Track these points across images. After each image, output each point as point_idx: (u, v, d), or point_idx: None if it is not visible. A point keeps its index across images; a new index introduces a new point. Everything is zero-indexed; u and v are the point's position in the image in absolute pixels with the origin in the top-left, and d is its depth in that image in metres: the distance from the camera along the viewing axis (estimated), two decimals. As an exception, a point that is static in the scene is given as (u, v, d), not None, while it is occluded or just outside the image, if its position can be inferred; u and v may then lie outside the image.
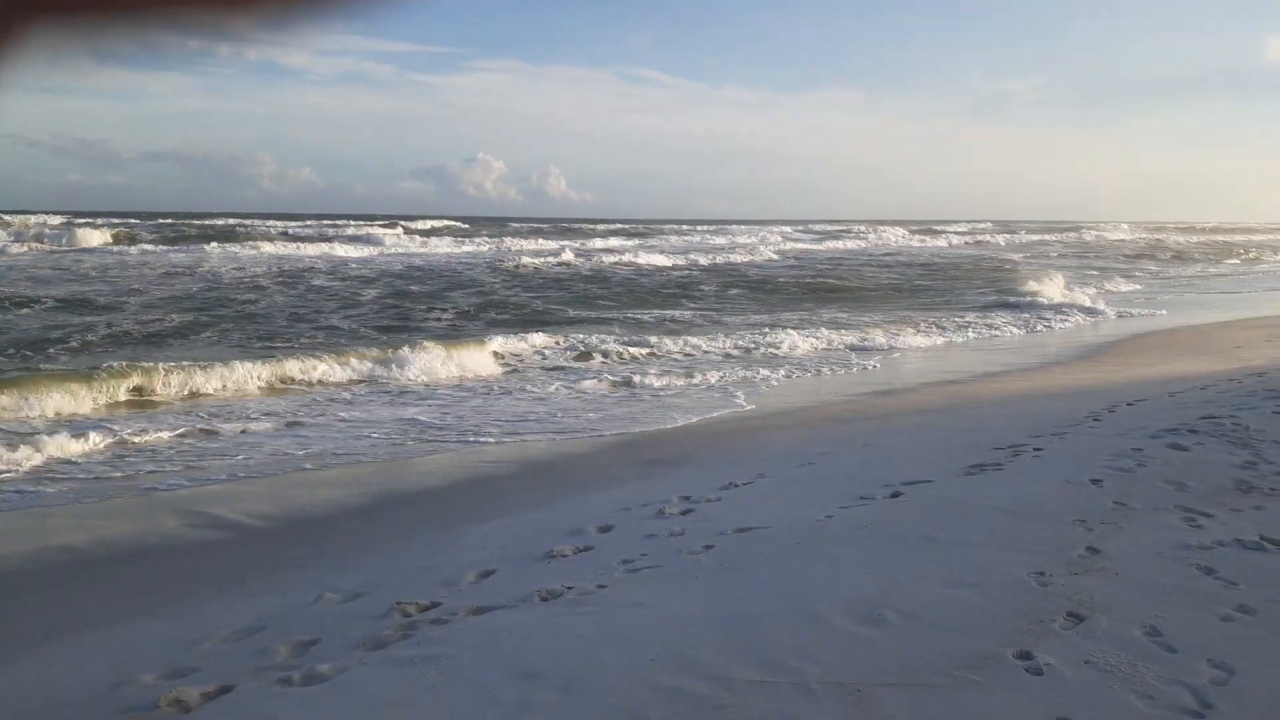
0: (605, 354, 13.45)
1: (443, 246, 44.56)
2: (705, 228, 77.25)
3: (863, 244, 55.54)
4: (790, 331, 15.78)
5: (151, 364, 10.91)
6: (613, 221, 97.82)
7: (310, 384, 11.00)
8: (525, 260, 32.86)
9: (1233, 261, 43.02)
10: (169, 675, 3.68)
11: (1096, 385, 10.75)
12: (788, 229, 76.38)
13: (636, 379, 11.66)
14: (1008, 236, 69.05)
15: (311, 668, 3.56)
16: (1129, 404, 8.43)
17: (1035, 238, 68.79)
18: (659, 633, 3.63)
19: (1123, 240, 64.81)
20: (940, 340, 16.10)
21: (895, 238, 62.00)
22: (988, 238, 66.64)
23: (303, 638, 3.97)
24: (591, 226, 72.94)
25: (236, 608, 4.57)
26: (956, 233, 73.00)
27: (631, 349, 13.72)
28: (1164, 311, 21.05)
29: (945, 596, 3.82)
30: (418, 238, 49.75)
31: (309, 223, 61.37)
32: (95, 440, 8.01)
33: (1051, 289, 24.35)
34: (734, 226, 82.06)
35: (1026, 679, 3.14)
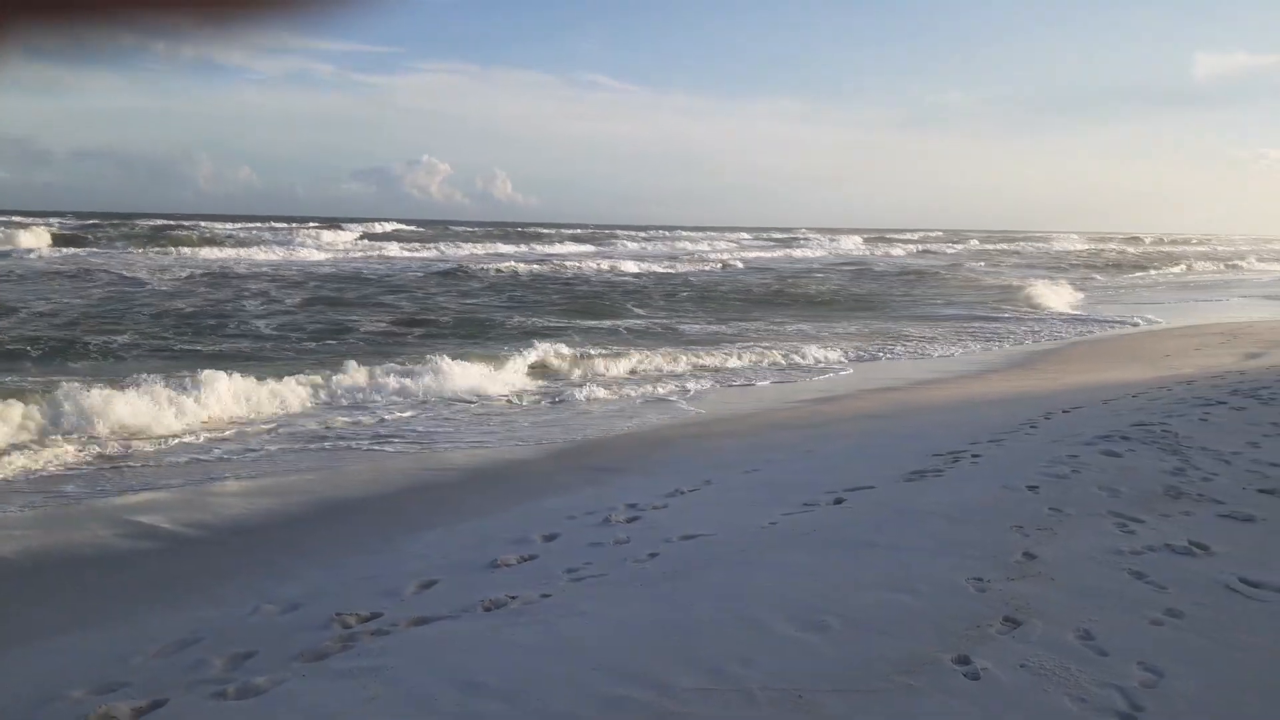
0: (554, 361, 13.38)
1: (385, 250, 44.00)
2: (659, 233, 77.46)
3: (818, 252, 56.08)
4: (750, 343, 15.85)
5: (74, 378, 10.45)
6: (561, 226, 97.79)
7: (238, 393, 10.50)
8: (472, 266, 32.61)
9: (1175, 270, 44.68)
10: (99, 690, 3.58)
11: (1033, 392, 10.99)
12: (744, 236, 77.09)
13: (585, 386, 11.63)
14: (959, 246, 70.35)
15: (247, 680, 3.49)
16: (1064, 411, 8.62)
17: (986, 247, 70.26)
18: (603, 641, 3.62)
19: (1071, 250, 66.43)
20: (905, 349, 16.22)
21: (851, 246, 62.94)
22: (939, 247, 67.84)
23: (239, 650, 3.88)
24: (540, 231, 72.58)
25: (170, 619, 4.46)
26: (910, 241, 74.27)
27: (582, 357, 13.67)
28: (1135, 319, 21.34)
29: (886, 602, 3.87)
30: (359, 241, 49.16)
31: (246, 224, 60.26)
32: (14, 455, 7.70)
33: (1023, 297, 24.90)
34: (686, 233, 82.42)
35: (964, 683, 3.19)
